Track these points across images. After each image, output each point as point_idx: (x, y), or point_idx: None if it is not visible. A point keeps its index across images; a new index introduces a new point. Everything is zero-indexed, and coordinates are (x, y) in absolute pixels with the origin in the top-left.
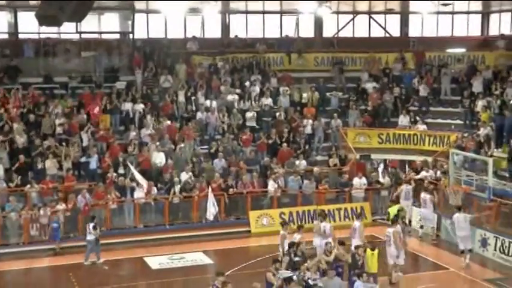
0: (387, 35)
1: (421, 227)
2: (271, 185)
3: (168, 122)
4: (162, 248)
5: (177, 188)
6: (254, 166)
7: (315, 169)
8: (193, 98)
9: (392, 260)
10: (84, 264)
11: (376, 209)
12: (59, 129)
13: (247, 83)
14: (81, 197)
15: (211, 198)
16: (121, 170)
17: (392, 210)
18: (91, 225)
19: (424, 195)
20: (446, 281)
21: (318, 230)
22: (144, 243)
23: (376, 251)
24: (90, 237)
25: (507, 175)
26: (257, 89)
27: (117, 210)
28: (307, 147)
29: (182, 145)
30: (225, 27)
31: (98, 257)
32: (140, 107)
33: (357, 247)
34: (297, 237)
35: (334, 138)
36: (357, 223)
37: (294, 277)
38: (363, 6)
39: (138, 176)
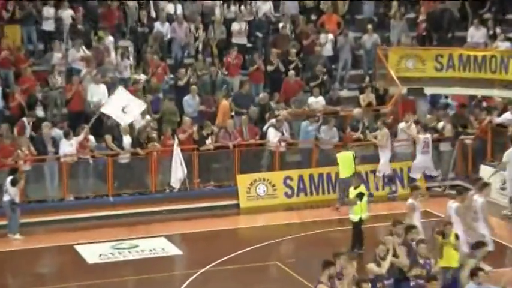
0: None
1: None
2: (272, 135)
3: (111, 38)
4: (103, 232)
5: (127, 139)
6: (245, 106)
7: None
8: (150, 0)
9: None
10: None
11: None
12: None
13: None
14: None
15: (177, 156)
16: (39, 111)
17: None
18: (8, 179)
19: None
20: None
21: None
22: (76, 224)
23: (451, 237)
24: (6, 197)
25: None
26: None
27: (34, 174)
28: (325, 77)
29: (135, 76)
30: None
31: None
32: (68, 13)
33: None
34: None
35: (368, 62)
36: (478, 198)
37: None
38: None
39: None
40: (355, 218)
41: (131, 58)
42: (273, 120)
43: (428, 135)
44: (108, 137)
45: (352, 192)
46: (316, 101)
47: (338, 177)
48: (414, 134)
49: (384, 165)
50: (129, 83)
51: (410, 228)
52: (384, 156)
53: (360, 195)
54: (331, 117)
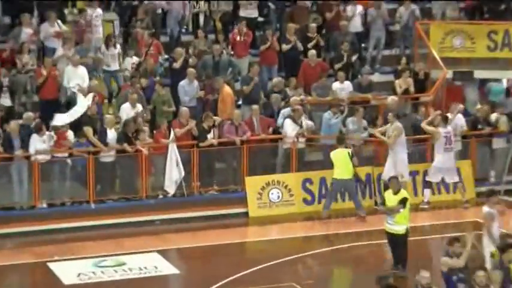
0: None
1: None
2: (288, 128)
3: (99, 11)
4: (83, 246)
5: (111, 134)
6: (255, 93)
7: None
8: None
9: None
10: None
11: (485, 172)
12: None
13: None
14: None
15: (173, 154)
16: (5, 99)
17: None
18: None
19: None
20: None
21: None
22: (50, 237)
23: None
24: None
25: None
26: None
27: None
28: (354, 57)
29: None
30: None
31: None
32: None
33: None
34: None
35: (405, 40)
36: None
37: None
38: None
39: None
40: (400, 229)
41: (118, 41)
42: (288, 110)
43: (450, 129)
44: (88, 130)
45: (391, 198)
46: (342, 88)
47: (333, 178)
48: (429, 128)
49: (391, 169)
50: (119, 77)
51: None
52: (395, 156)
53: (403, 201)
54: (360, 107)
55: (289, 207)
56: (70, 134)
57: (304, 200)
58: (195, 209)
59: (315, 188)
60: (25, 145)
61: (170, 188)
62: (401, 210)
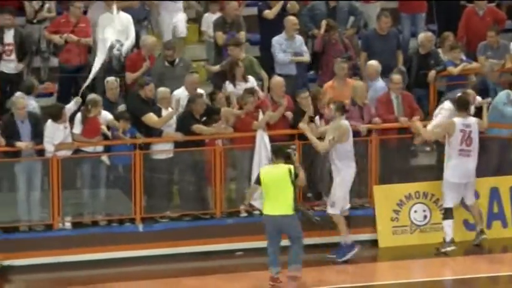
0: None
1: None
2: (446, 113)
3: None
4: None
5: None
6: (387, 55)
7: None
8: None
9: None
10: None
11: None
12: None
13: None
14: None
15: (262, 148)
16: (7, 64)
17: None
18: None
19: None
20: None
21: None
22: (75, 274)
23: None
24: None
25: None
26: None
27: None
28: None
29: None
30: None
31: None
32: None
33: None
34: None
35: None
36: None
37: None
38: None
39: None
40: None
41: None
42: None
43: (472, 120)
44: (150, 116)
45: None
46: None
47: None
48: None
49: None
50: None
51: None
52: (337, 175)
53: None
54: None
55: (441, 233)
56: (105, 115)
57: (465, 223)
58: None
59: (483, 203)
60: (38, 134)
61: (258, 202)
62: None
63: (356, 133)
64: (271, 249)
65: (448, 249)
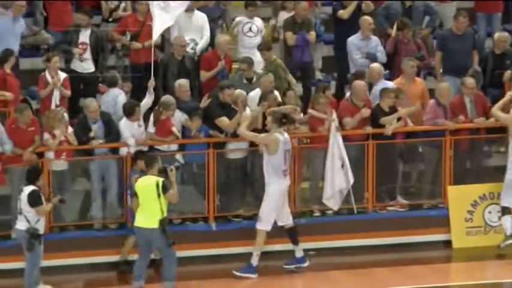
0: None
1: None
2: None
3: None
4: None
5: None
6: (461, 55)
7: None
8: None
9: None
10: None
11: None
12: None
13: None
14: None
15: (336, 149)
16: (81, 63)
17: None
18: (25, 193)
19: None
20: None
21: None
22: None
23: None
24: (20, 224)
25: None
26: None
27: (71, 179)
28: None
29: None
30: None
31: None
32: None
33: None
34: None
35: None
36: None
37: None
38: None
39: None
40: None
41: None
42: None
43: None
44: (223, 119)
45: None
46: None
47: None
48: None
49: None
50: None
51: None
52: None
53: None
54: None
55: None
56: (178, 116)
57: None
58: (368, 234)
59: None
60: (111, 132)
61: (332, 202)
62: None
63: (438, 133)
64: (138, 263)
65: (507, 242)
